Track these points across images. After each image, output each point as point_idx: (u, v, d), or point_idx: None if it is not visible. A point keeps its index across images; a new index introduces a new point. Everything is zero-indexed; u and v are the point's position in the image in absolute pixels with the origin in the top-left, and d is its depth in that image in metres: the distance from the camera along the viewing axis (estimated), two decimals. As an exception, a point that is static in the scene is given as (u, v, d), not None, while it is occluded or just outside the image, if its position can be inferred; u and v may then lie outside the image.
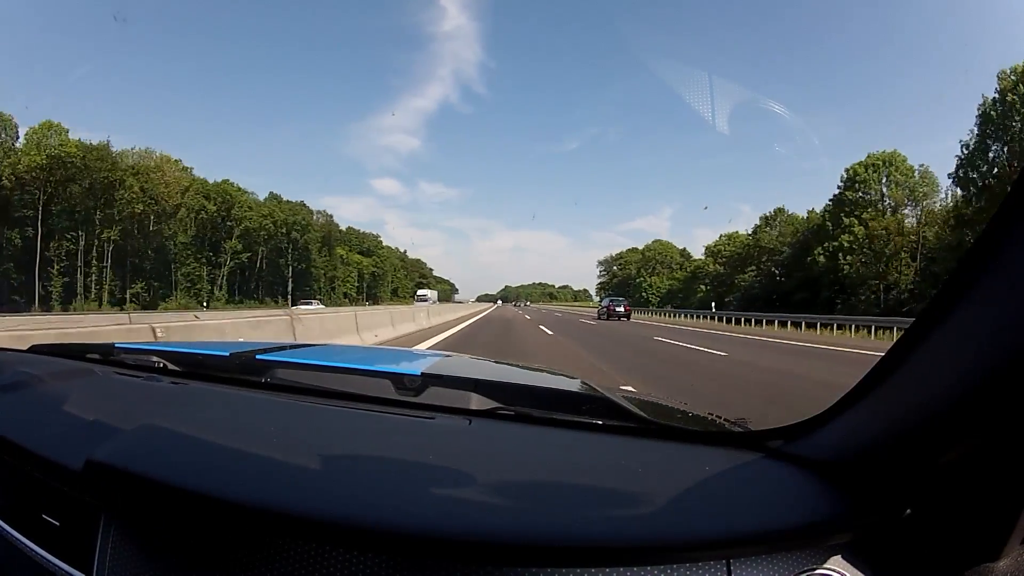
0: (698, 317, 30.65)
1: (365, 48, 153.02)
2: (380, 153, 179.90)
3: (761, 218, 51.45)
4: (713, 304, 37.73)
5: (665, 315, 39.19)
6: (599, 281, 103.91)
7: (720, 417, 0.90)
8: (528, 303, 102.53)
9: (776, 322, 23.17)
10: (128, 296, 49.02)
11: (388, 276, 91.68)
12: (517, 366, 1.37)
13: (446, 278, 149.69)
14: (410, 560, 0.49)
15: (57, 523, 0.64)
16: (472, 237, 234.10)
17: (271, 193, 67.25)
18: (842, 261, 35.83)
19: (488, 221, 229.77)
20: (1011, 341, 0.37)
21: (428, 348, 8.66)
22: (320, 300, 51.13)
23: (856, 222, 36.59)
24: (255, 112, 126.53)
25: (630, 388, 4.59)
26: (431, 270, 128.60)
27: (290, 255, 64.92)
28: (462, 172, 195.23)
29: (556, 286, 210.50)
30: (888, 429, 0.49)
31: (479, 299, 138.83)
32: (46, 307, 42.10)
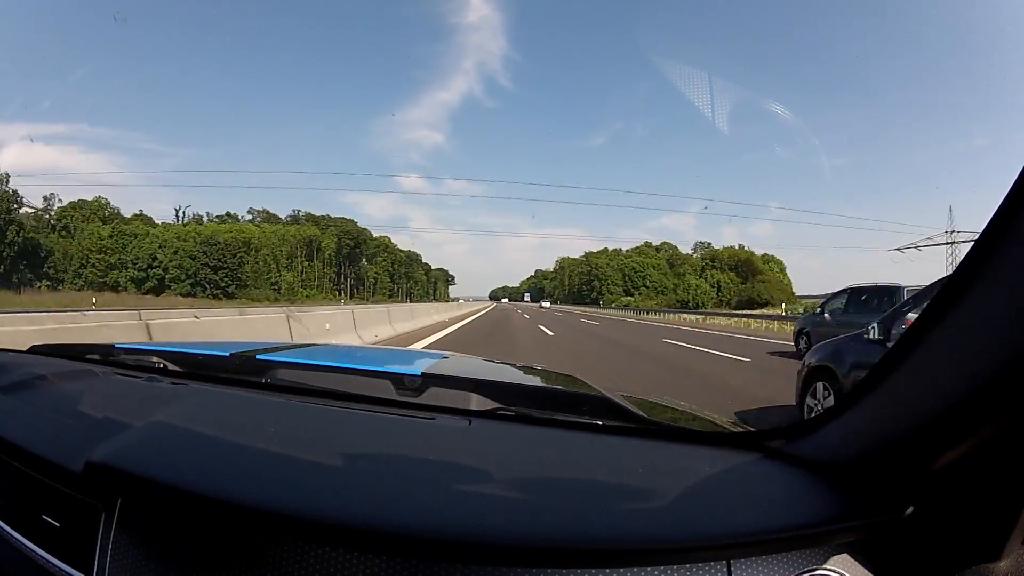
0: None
1: (389, 41, 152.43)
2: (404, 148, 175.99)
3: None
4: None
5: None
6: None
7: (720, 417, 0.90)
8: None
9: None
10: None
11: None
12: (518, 366, 1.37)
13: (445, 269, 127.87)
14: (411, 561, 0.49)
15: (57, 524, 0.64)
16: (498, 234, 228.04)
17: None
18: None
19: (514, 219, 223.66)
20: (1011, 341, 0.38)
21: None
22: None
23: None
24: (275, 109, 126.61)
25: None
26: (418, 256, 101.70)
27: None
28: (487, 168, 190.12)
29: (680, 248, 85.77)
30: (888, 429, 0.49)
31: (492, 296, 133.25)
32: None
